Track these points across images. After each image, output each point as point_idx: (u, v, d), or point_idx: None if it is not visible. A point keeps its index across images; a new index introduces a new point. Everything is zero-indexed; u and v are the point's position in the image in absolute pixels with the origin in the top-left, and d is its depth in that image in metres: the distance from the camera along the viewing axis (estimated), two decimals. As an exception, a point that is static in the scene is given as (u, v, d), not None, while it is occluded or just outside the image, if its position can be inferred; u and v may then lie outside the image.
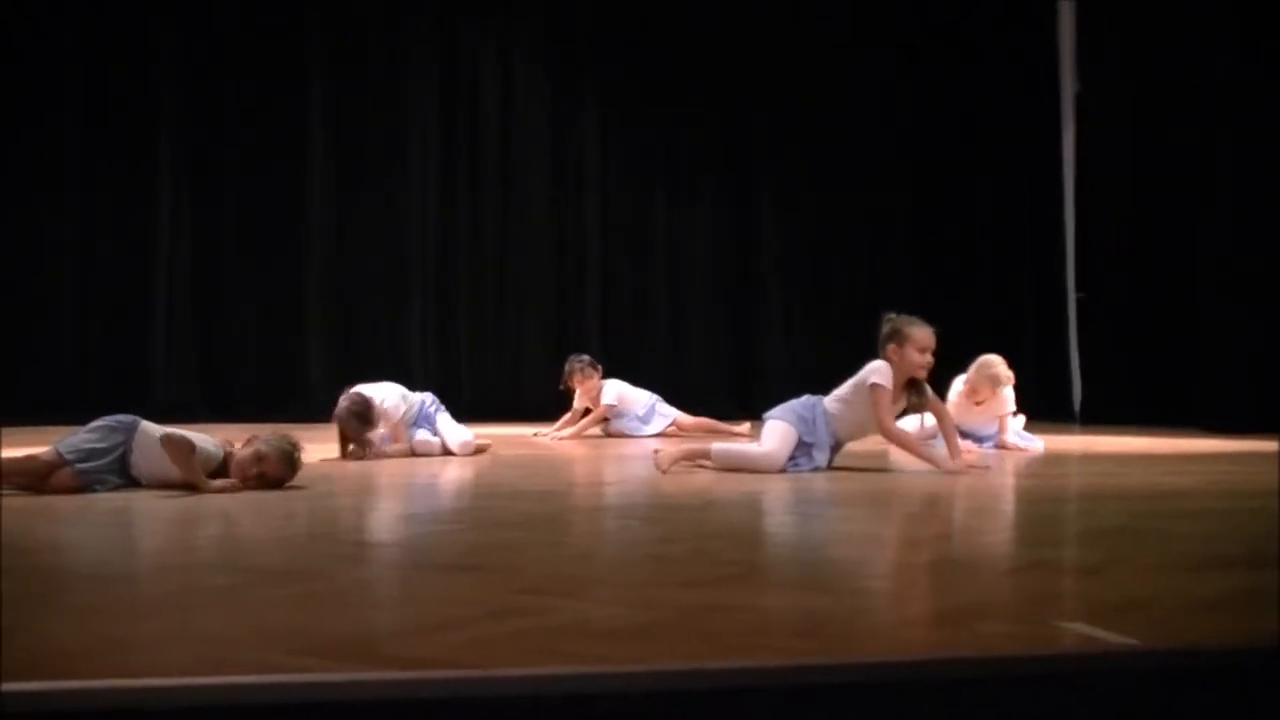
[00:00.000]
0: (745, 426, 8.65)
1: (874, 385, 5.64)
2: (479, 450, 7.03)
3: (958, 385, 7.26)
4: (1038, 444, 7.28)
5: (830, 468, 5.69)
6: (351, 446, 6.60)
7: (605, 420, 9.00)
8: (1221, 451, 6.96)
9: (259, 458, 4.78)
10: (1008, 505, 4.76)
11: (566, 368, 9.04)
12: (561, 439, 8.70)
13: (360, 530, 3.96)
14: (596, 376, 9.02)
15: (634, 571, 3.06)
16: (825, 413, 5.75)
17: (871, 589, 2.79)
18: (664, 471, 5.54)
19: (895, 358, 5.66)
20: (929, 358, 5.68)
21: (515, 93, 11.37)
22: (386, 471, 5.91)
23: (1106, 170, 10.39)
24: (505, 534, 3.64)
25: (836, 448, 5.80)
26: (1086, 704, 1.92)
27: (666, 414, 9.10)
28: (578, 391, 9.04)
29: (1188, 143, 9.38)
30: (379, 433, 6.72)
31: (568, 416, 9.01)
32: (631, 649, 2.18)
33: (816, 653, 2.14)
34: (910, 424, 6.45)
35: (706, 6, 11.43)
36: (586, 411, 9.01)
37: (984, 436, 7.26)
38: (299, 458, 4.87)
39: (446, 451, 6.91)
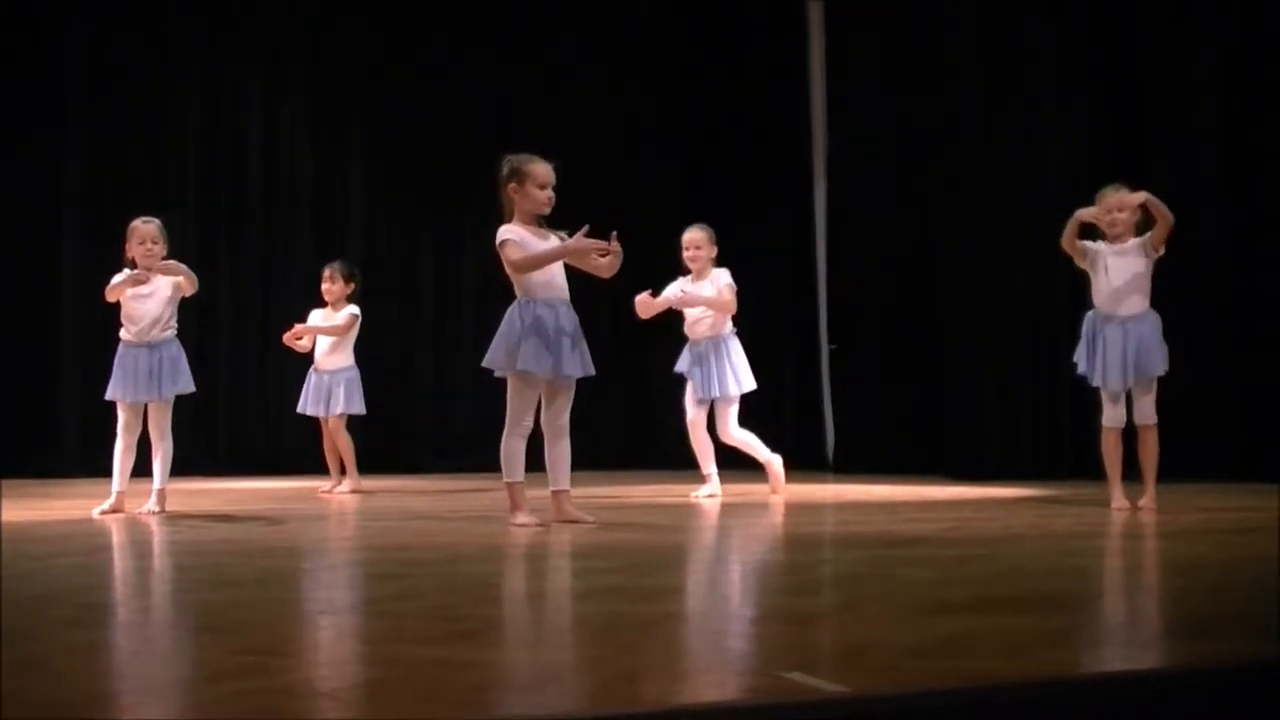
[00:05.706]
0: (359, 483, 8.29)
1: (504, 243, 5.66)
2: None
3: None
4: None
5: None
6: None
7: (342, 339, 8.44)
8: (963, 499, 7.20)
9: None
10: (749, 555, 4.84)
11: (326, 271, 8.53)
12: (301, 333, 8.34)
13: (86, 591, 3.79)
14: (341, 283, 8.44)
15: (367, 628, 3.01)
16: (519, 305, 5.75)
17: (602, 643, 2.79)
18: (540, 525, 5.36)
19: (516, 196, 5.70)
20: (550, 193, 5.74)
21: (279, 138, 11.20)
22: (129, 530, 5.71)
23: (855, 226, 10.74)
24: (237, 593, 3.55)
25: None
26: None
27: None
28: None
29: (930, 201, 9.77)
30: None
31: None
32: (353, 708, 2.15)
33: (544, 707, 2.15)
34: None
35: (471, 52, 11.49)
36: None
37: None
38: None
39: None
